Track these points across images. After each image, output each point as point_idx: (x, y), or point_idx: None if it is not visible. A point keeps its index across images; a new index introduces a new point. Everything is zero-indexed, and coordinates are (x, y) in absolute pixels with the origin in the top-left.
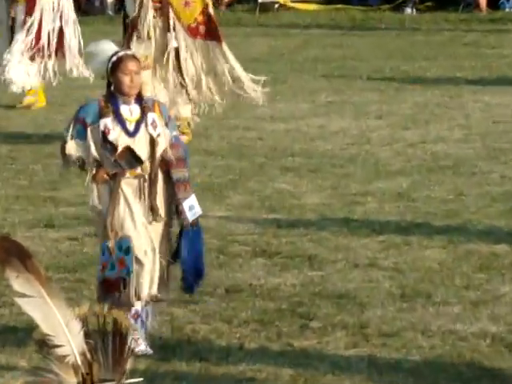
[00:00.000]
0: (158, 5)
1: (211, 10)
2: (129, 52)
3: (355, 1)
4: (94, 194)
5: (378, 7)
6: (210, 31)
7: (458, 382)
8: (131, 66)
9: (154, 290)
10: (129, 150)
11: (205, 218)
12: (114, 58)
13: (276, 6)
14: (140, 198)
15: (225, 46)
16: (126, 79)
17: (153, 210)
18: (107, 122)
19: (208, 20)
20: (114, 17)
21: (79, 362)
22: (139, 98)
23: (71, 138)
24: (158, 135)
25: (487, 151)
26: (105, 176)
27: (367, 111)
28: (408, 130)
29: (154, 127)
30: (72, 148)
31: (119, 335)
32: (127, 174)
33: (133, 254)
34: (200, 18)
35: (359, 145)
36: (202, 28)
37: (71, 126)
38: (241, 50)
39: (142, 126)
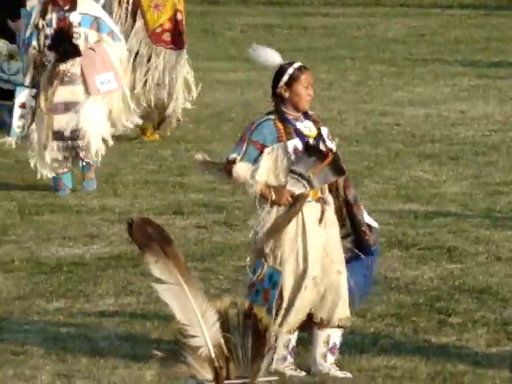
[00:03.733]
0: (126, 5)
1: (180, 16)
2: (301, 63)
3: None
4: (272, 218)
5: None
6: (174, 38)
7: None
8: (310, 78)
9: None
10: (333, 160)
11: None
12: (291, 70)
13: None
14: (320, 222)
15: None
16: (305, 93)
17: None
18: (296, 142)
19: (174, 27)
20: None
21: (212, 355)
22: (305, 113)
23: (240, 160)
24: (336, 150)
25: None
26: (289, 198)
27: None
28: None
29: (331, 141)
30: (243, 170)
31: (259, 332)
32: (309, 198)
33: (277, 290)
34: (167, 25)
35: (504, 131)
36: (166, 35)
37: (242, 147)
38: (379, 31)
39: (320, 142)
